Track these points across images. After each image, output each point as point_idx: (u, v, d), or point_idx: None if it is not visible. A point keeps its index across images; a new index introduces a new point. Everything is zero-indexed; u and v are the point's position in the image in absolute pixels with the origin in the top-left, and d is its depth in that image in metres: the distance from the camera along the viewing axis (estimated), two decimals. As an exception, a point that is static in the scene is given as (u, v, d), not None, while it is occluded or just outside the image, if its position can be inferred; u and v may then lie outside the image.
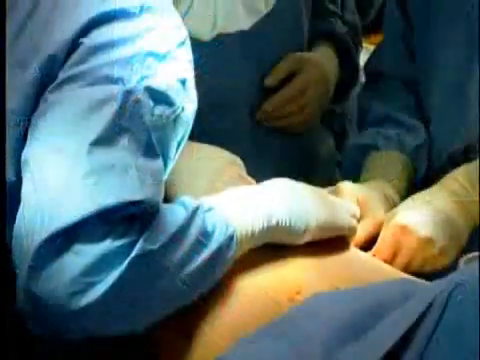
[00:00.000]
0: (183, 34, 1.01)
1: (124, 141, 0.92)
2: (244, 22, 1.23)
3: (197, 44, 1.27)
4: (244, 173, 1.30)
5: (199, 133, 1.16)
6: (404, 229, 1.18)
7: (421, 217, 1.19)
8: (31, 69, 0.95)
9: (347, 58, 1.69)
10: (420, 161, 1.42)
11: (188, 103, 1.00)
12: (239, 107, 1.55)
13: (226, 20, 1.20)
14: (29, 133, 0.95)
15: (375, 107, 1.49)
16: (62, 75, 0.94)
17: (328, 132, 1.75)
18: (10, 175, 0.95)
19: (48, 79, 0.95)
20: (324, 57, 1.64)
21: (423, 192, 1.25)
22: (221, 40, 1.38)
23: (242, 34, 1.40)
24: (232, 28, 1.24)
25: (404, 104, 1.48)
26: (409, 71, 1.48)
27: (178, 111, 0.98)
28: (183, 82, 0.98)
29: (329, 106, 1.68)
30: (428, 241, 1.18)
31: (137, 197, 0.91)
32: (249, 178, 1.29)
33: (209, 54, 1.44)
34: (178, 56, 0.99)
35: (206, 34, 1.22)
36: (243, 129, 1.56)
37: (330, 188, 1.29)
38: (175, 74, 0.98)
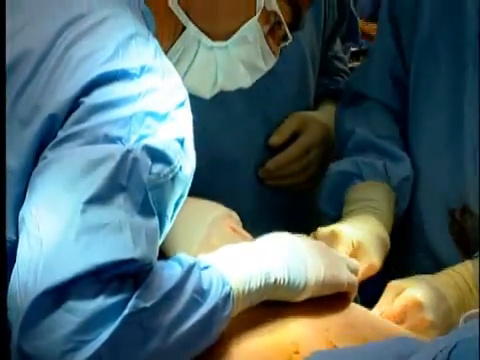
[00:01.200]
0: (183, 94, 1.02)
1: (120, 199, 0.92)
2: (244, 80, 1.24)
3: (200, 100, 1.30)
4: (239, 227, 1.30)
5: (202, 190, 1.16)
6: (418, 306, 1.19)
7: (434, 302, 1.20)
8: (31, 128, 0.96)
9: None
10: (404, 194, 1.40)
11: (186, 162, 1.00)
12: (243, 165, 1.56)
13: (226, 78, 1.21)
14: (27, 191, 0.95)
15: (358, 132, 1.47)
16: (62, 134, 0.95)
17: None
18: (11, 234, 0.95)
19: (48, 138, 0.96)
20: (329, 116, 1.65)
21: (433, 277, 1.26)
22: (225, 97, 1.40)
23: (247, 92, 1.42)
24: (233, 86, 1.25)
25: (389, 133, 1.46)
26: (396, 101, 1.47)
27: (176, 170, 0.98)
28: (181, 142, 0.98)
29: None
30: (433, 325, 1.20)
31: (130, 256, 0.90)
32: (244, 232, 1.29)
33: (213, 111, 1.46)
34: (177, 116, 0.99)
35: (207, 92, 1.23)
36: (247, 186, 1.56)
37: (325, 229, 1.29)
38: (174, 134, 0.98)
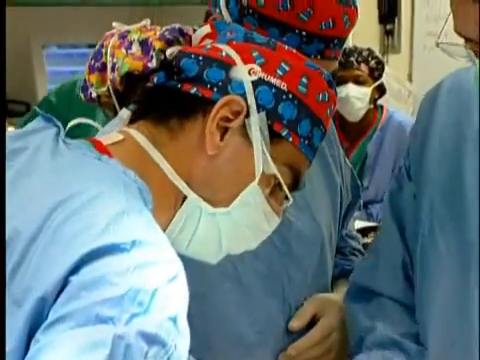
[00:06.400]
0: (175, 268, 0.99)
1: None
2: (249, 243, 1.23)
3: (217, 279, 1.27)
4: None
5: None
6: None
7: None
8: (24, 309, 0.94)
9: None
10: None
11: (180, 340, 0.96)
12: (261, 348, 1.53)
13: (231, 242, 1.20)
14: None
15: (379, 329, 1.45)
16: (52, 315, 0.92)
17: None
18: None
19: (40, 319, 0.93)
20: None
21: None
22: (243, 278, 1.40)
23: (266, 274, 1.42)
24: (238, 249, 1.23)
25: (408, 330, 1.44)
26: (408, 297, 1.46)
27: (171, 350, 0.94)
28: (174, 320, 0.95)
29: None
30: None
31: None
32: None
33: (231, 292, 1.45)
34: (169, 292, 0.96)
35: (213, 257, 1.22)
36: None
37: None
38: (166, 312, 0.95)
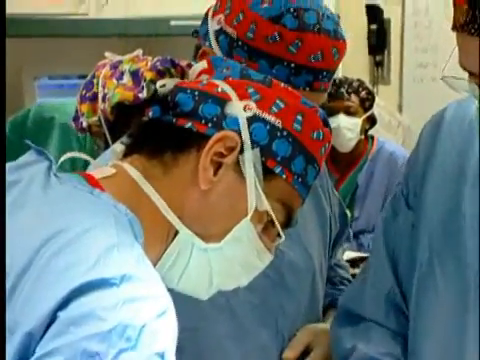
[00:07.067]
0: (164, 303, 0.98)
1: None
2: (240, 280, 1.22)
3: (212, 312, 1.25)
4: None
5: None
6: None
7: None
8: (13, 340, 0.93)
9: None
10: None
11: None
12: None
13: (223, 278, 1.19)
14: None
15: (360, 349, 1.44)
16: (40, 350, 0.92)
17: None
18: None
19: (26, 354, 0.93)
20: None
21: None
22: (237, 310, 1.39)
23: (260, 306, 1.41)
24: (230, 286, 1.22)
25: (390, 350, 1.43)
26: (395, 324, 1.45)
27: None
28: (162, 355, 0.95)
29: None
30: None
31: None
32: None
33: (224, 323, 1.45)
34: (158, 327, 0.96)
35: (203, 293, 1.21)
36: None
37: None
38: (154, 348, 0.94)
